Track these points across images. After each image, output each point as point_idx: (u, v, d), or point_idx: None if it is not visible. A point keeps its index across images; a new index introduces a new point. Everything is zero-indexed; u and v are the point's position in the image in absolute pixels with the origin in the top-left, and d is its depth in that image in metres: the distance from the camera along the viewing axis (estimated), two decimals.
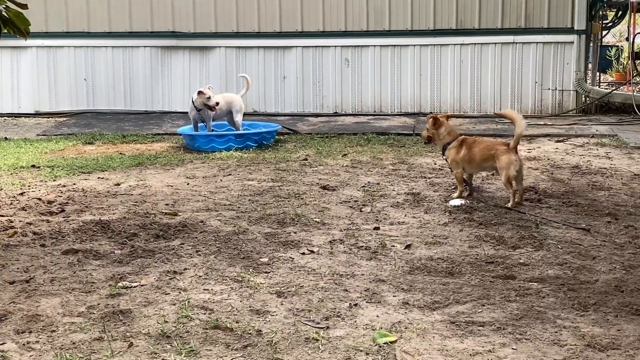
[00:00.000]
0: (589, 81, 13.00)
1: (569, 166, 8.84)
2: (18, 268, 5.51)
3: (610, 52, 15.83)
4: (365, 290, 5.06)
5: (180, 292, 4.99)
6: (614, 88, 13.31)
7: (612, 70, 15.80)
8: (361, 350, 4.19)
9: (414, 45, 12.69)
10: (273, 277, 5.29)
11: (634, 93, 12.74)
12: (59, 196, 7.58)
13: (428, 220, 6.69)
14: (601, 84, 14.10)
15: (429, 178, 8.24)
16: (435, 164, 8.95)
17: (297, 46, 12.88)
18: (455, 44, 12.64)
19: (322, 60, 12.88)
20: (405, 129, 11.30)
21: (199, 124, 10.43)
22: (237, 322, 4.50)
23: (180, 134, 10.68)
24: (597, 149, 9.87)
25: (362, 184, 8.00)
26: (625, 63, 15.00)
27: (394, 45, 12.72)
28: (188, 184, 8.10)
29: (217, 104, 10.15)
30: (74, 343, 4.24)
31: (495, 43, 12.57)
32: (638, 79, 13.33)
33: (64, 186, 8.05)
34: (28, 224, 6.62)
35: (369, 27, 12.75)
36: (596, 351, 4.23)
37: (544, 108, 12.58)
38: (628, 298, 4.96)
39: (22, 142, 11.01)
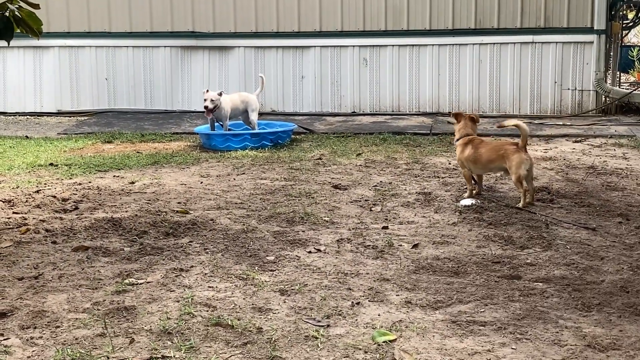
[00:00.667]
0: (609, 81, 12.90)
1: (585, 166, 8.80)
2: (28, 264, 5.58)
3: (633, 52, 15.71)
4: (368, 289, 5.07)
5: (184, 290, 5.03)
6: (634, 88, 13.21)
7: (634, 70, 15.69)
8: (360, 349, 4.20)
9: (433, 45, 12.67)
10: (278, 276, 5.32)
11: None
12: (73, 194, 7.67)
13: (438, 220, 6.69)
14: (623, 84, 14.01)
15: (442, 178, 8.23)
16: (449, 163, 8.93)
17: (315, 46, 12.91)
18: (474, 44, 12.60)
19: (340, 60, 12.89)
20: (422, 129, 11.29)
21: (215, 124, 10.47)
22: (238, 320, 4.52)
23: (197, 133, 10.74)
24: (615, 150, 9.81)
25: (374, 183, 8.01)
26: None
27: (412, 45, 12.71)
28: (201, 182, 8.15)
29: (206, 107, 10.18)
30: (76, 339, 4.29)
31: (515, 43, 12.52)
32: None
33: (80, 184, 8.13)
34: (41, 221, 6.70)
35: (387, 27, 12.74)
36: (596, 351, 4.21)
37: (563, 108, 12.51)
38: (633, 299, 4.93)
39: (42, 141, 11.13)
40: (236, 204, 7.24)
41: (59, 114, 13.65)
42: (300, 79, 13.04)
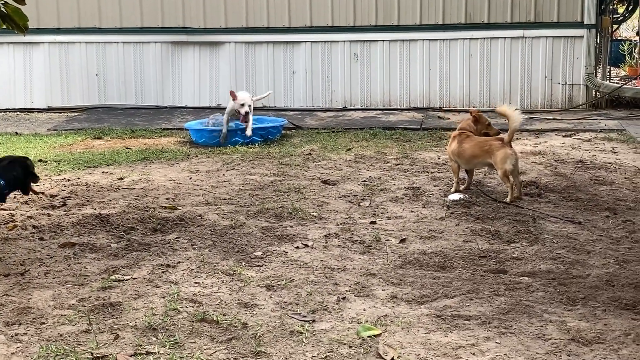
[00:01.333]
0: (599, 75, 12.92)
1: (574, 161, 8.81)
2: (14, 261, 5.57)
3: (624, 46, 15.73)
4: (355, 284, 5.08)
5: (170, 286, 5.03)
6: (624, 82, 13.23)
7: (625, 64, 15.70)
8: (344, 344, 4.21)
9: (423, 39, 12.66)
10: (265, 271, 5.32)
11: None
12: (62, 190, 7.65)
13: (425, 215, 6.70)
14: (613, 79, 14.01)
15: (431, 173, 8.24)
16: (439, 158, 8.94)
17: (306, 41, 12.90)
18: (464, 39, 12.60)
19: (331, 55, 12.89)
20: (413, 124, 11.29)
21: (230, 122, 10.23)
22: (224, 315, 4.53)
23: (187, 129, 10.73)
24: (604, 144, 9.83)
25: (363, 178, 8.01)
26: (637, 57, 14.89)
27: (403, 40, 12.71)
28: (190, 178, 8.14)
29: (247, 113, 9.89)
30: (61, 335, 4.29)
31: (505, 37, 12.52)
32: None
33: (68, 180, 8.12)
34: (29, 217, 6.69)
35: (377, 22, 12.73)
36: (580, 345, 4.22)
37: (554, 102, 12.53)
38: (618, 293, 4.94)
39: (32, 137, 11.10)
40: (225, 199, 7.23)
41: (49, 110, 13.62)
42: (291, 74, 13.03)
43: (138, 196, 7.38)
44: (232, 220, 6.51)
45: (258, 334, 4.29)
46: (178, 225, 6.37)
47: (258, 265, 5.43)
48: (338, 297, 4.85)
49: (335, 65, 12.89)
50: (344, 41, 12.82)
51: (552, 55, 12.45)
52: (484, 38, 12.57)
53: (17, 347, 4.15)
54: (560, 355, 4.11)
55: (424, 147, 9.61)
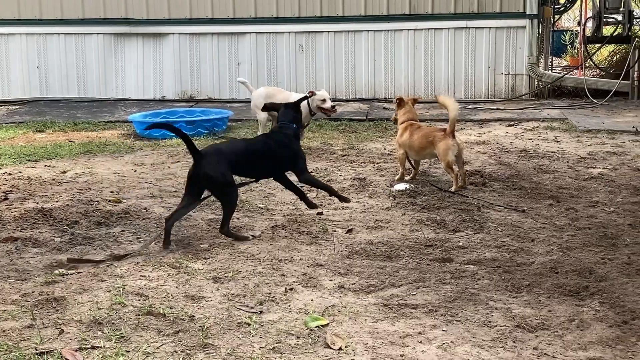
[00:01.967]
0: (541, 65, 13.08)
1: (517, 150, 8.91)
2: None
3: (565, 36, 15.95)
4: (302, 275, 5.08)
5: (116, 279, 4.96)
6: (566, 72, 13.42)
7: (566, 54, 15.93)
8: (292, 334, 4.20)
9: (368, 30, 12.69)
10: (212, 263, 5.29)
11: (585, 77, 12.85)
12: (3, 184, 7.51)
13: (372, 205, 6.72)
14: (555, 68, 14.21)
15: (377, 163, 8.26)
16: (384, 149, 8.97)
17: (251, 32, 12.84)
18: (408, 30, 12.66)
19: (276, 47, 12.84)
20: (359, 115, 11.32)
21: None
22: (170, 308, 4.48)
23: (131, 121, 10.60)
24: (547, 133, 9.96)
25: (309, 169, 7.97)
26: (578, 47, 15.12)
27: (348, 31, 12.72)
28: (135, 171, 8.05)
29: (334, 107, 8.94)
30: (4, 331, 4.20)
31: (449, 28, 12.61)
32: (589, 63, 13.44)
33: (10, 174, 7.97)
34: None
35: (322, 13, 12.73)
36: (525, 332, 4.27)
37: (497, 92, 12.66)
38: (562, 279, 5.01)
39: None
40: (170, 192, 7.17)
41: None
42: (237, 65, 12.96)
43: (82, 190, 7.27)
44: None
45: (205, 327, 4.26)
46: (123, 219, 6.30)
47: (205, 258, 5.39)
48: (285, 288, 4.84)
49: (280, 57, 12.85)
50: (289, 32, 12.79)
51: (496, 45, 12.57)
52: (428, 29, 12.65)
53: None
54: (506, 342, 4.15)
55: (370, 137, 9.63)
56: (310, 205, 6.28)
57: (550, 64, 13.75)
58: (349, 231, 5.99)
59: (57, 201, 6.84)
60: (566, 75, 12.95)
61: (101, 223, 6.19)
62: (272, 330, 4.24)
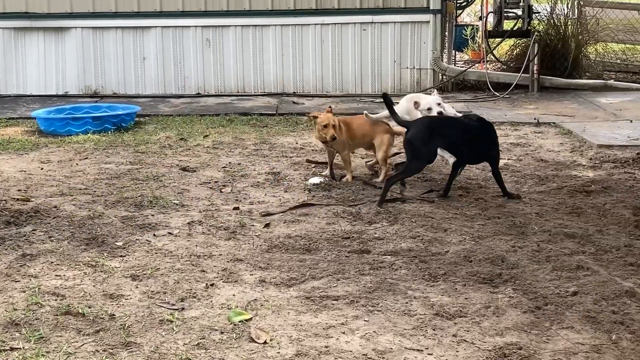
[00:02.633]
0: (445, 60, 13.33)
1: None
2: None
3: (466, 31, 16.28)
4: (222, 270, 5.07)
5: (30, 279, 4.86)
6: (469, 66, 13.70)
7: (468, 48, 16.27)
8: (216, 330, 4.20)
9: (276, 25, 12.69)
10: (129, 261, 5.22)
11: (488, 71, 13.16)
12: None
13: (288, 199, 6.75)
14: (458, 63, 14.48)
15: (290, 157, 8.29)
16: (297, 143, 9.00)
17: (156, 26, 12.67)
18: (315, 24, 12.71)
19: (182, 41, 12.71)
20: (269, 109, 11.32)
21: None
22: (89, 307, 4.42)
23: (35, 118, 10.33)
24: None
25: (223, 164, 7.97)
26: (480, 42, 15.45)
27: (256, 25, 12.69)
28: (42, 168, 7.87)
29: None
30: None
31: (355, 23, 12.71)
32: (491, 57, 13.76)
33: None
34: None
35: (229, 7, 12.66)
36: (444, 319, 4.38)
37: (403, 86, 12.83)
38: (476, 267, 5.15)
39: None
40: (80, 189, 7.04)
41: None
42: (142, 60, 12.77)
43: None
44: (89, 210, 6.34)
45: (126, 325, 4.22)
46: (33, 217, 6.15)
47: (121, 256, 5.33)
48: (206, 283, 4.83)
49: (187, 51, 12.72)
50: (196, 26, 12.68)
51: (401, 40, 12.74)
52: (335, 24, 12.72)
53: None
54: (427, 330, 4.25)
55: (282, 132, 9.65)
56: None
57: (453, 58, 14.02)
58: (267, 225, 6.01)
59: None
60: (469, 69, 13.24)
61: (10, 222, 6.04)
62: (195, 327, 4.23)
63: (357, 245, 5.55)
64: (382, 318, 4.38)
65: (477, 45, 15.78)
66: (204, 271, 5.05)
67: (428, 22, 12.65)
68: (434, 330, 4.25)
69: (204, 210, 6.40)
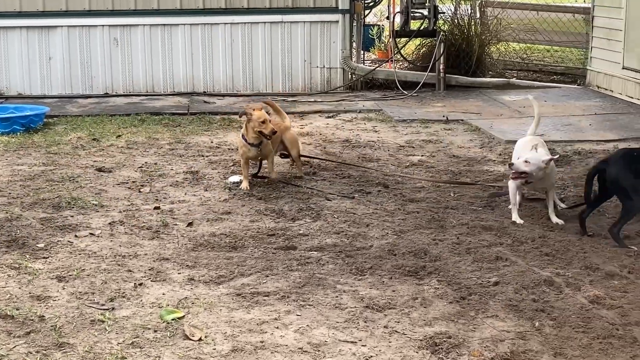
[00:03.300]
0: (354, 59, 13.50)
1: (340, 140, 9.18)
2: None
3: (373, 31, 16.49)
4: (149, 270, 5.05)
5: None
6: (377, 65, 13.90)
7: (374, 48, 16.49)
8: (149, 329, 4.19)
9: (185, 24, 12.60)
10: (52, 262, 5.15)
11: (396, 70, 13.39)
12: None
13: (209, 198, 6.75)
14: (365, 62, 14.67)
15: (207, 156, 8.27)
16: (212, 142, 8.98)
17: (62, 26, 12.40)
18: (225, 23, 12.68)
19: (89, 40, 12.48)
20: (180, 109, 11.25)
21: None
22: (17, 309, 4.35)
23: None
24: (365, 124, 10.30)
25: (139, 164, 7.89)
26: (387, 41, 15.67)
27: (164, 25, 12.56)
28: None
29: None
30: None
31: (265, 22, 12.73)
32: (399, 57, 13.99)
33: None
34: None
35: (137, 6, 12.50)
36: (374, 312, 4.48)
37: (313, 85, 12.93)
38: (400, 261, 5.27)
39: None
40: None
41: None
42: (48, 60, 12.49)
43: None
44: (6, 212, 6.20)
45: (57, 326, 4.17)
46: None
47: (44, 257, 5.24)
48: (135, 283, 4.81)
49: (94, 51, 12.50)
50: (103, 26, 12.47)
51: (311, 39, 12.83)
52: (245, 23, 12.72)
53: None
54: (358, 322, 4.34)
55: (196, 131, 9.61)
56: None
57: (362, 57, 14.19)
58: (190, 224, 6.00)
59: None
60: (378, 68, 13.43)
61: None
62: (128, 326, 4.21)
63: (282, 242, 5.61)
64: (314, 312, 4.44)
65: (384, 45, 16.00)
66: (130, 271, 5.02)
67: (337, 21, 12.78)
68: (365, 322, 4.34)
69: (124, 211, 6.34)
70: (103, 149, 8.58)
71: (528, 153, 6.21)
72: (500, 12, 14.74)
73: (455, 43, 13.44)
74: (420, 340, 4.14)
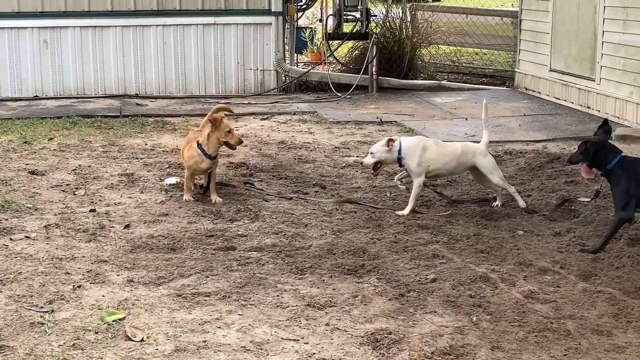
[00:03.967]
0: (287, 61, 13.54)
1: (276, 142, 9.21)
2: None
3: (305, 33, 16.57)
4: (87, 272, 5.01)
5: None
6: (310, 67, 13.97)
7: (307, 50, 16.56)
8: (90, 330, 4.16)
9: (116, 26, 12.48)
10: None
11: (329, 72, 13.48)
12: None
13: (145, 200, 6.71)
14: (299, 64, 14.72)
15: (142, 159, 8.21)
16: (146, 144, 8.91)
17: None
18: (157, 25, 12.59)
19: (18, 42, 12.26)
20: (112, 111, 11.13)
21: None
22: None
23: None
24: (300, 125, 10.35)
25: (72, 167, 7.79)
26: (319, 44, 15.77)
27: (95, 27, 12.42)
28: None
29: None
30: None
31: (197, 24, 12.69)
32: (332, 59, 14.09)
33: None
34: None
35: (67, 8, 12.33)
36: (316, 310, 4.52)
37: (247, 87, 12.93)
38: (340, 260, 5.33)
39: None
40: None
41: None
42: None
43: None
44: None
45: None
46: None
47: None
48: (73, 285, 4.76)
49: (24, 53, 12.29)
50: (32, 27, 12.27)
51: (244, 41, 12.83)
52: (177, 25, 12.66)
53: None
54: (300, 320, 4.38)
55: (129, 134, 9.52)
56: None
57: (295, 59, 14.25)
58: (127, 226, 5.96)
59: None
60: (311, 71, 13.50)
61: None
62: (69, 328, 4.18)
63: (221, 243, 5.61)
64: (256, 311, 4.47)
65: (316, 47, 16.08)
66: (68, 273, 4.97)
67: (270, 24, 12.80)
68: (307, 320, 4.38)
69: (59, 213, 6.27)
70: (35, 152, 8.44)
71: (372, 147, 6.61)
72: (431, 15, 14.97)
73: (387, 46, 13.59)
74: (362, 336, 4.20)
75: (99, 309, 4.43)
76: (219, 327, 4.26)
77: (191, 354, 3.95)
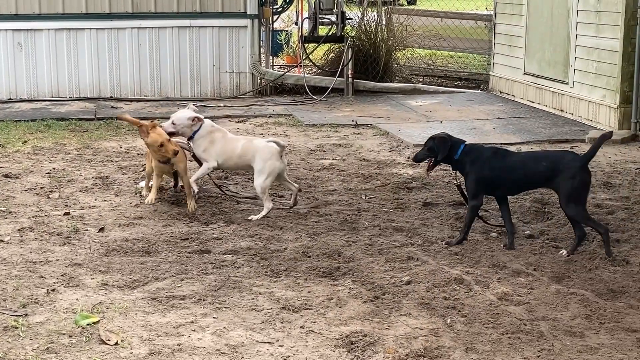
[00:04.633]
0: (263, 64, 13.54)
1: None
2: None
3: (281, 36, 16.58)
4: (61, 275, 4.99)
5: None
6: (286, 70, 13.98)
7: (283, 53, 16.57)
8: (64, 334, 4.15)
9: (91, 29, 12.42)
10: None
11: (305, 75, 13.50)
12: None
13: (119, 203, 6.68)
14: (274, 67, 14.73)
15: (116, 162, 8.18)
16: (120, 147, 8.89)
17: None
18: (132, 28, 12.55)
19: None
20: (87, 114, 11.08)
21: None
22: None
23: None
24: (276, 128, 10.36)
25: (46, 170, 7.75)
26: (295, 47, 15.78)
27: (70, 29, 12.35)
28: None
29: None
30: None
31: (173, 27, 12.66)
32: (307, 62, 14.11)
33: None
34: None
35: (41, 10, 12.26)
36: (291, 312, 4.53)
37: (222, 90, 12.92)
38: (315, 262, 5.34)
39: None
40: None
41: None
42: None
43: None
44: None
45: None
46: None
47: None
48: (47, 289, 4.74)
49: None
50: (7, 30, 12.18)
51: (219, 44, 12.82)
52: (152, 27, 12.62)
53: None
54: (275, 323, 4.38)
55: (103, 136, 9.48)
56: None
57: (271, 62, 14.25)
58: (101, 230, 5.94)
59: None
60: (287, 73, 13.52)
61: None
62: (42, 332, 4.16)
63: (196, 246, 5.61)
64: (231, 314, 4.47)
65: (292, 50, 16.09)
66: (42, 277, 4.95)
67: (246, 26, 12.80)
68: (282, 323, 4.39)
69: (33, 217, 6.23)
70: (9, 155, 8.39)
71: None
72: (406, 18, 15.01)
73: (363, 49, 13.63)
74: (337, 339, 4.21)
75: (73, 312, 4.41)
76: (194, 330, 4.25)
77: (166, 357, 3.95)
